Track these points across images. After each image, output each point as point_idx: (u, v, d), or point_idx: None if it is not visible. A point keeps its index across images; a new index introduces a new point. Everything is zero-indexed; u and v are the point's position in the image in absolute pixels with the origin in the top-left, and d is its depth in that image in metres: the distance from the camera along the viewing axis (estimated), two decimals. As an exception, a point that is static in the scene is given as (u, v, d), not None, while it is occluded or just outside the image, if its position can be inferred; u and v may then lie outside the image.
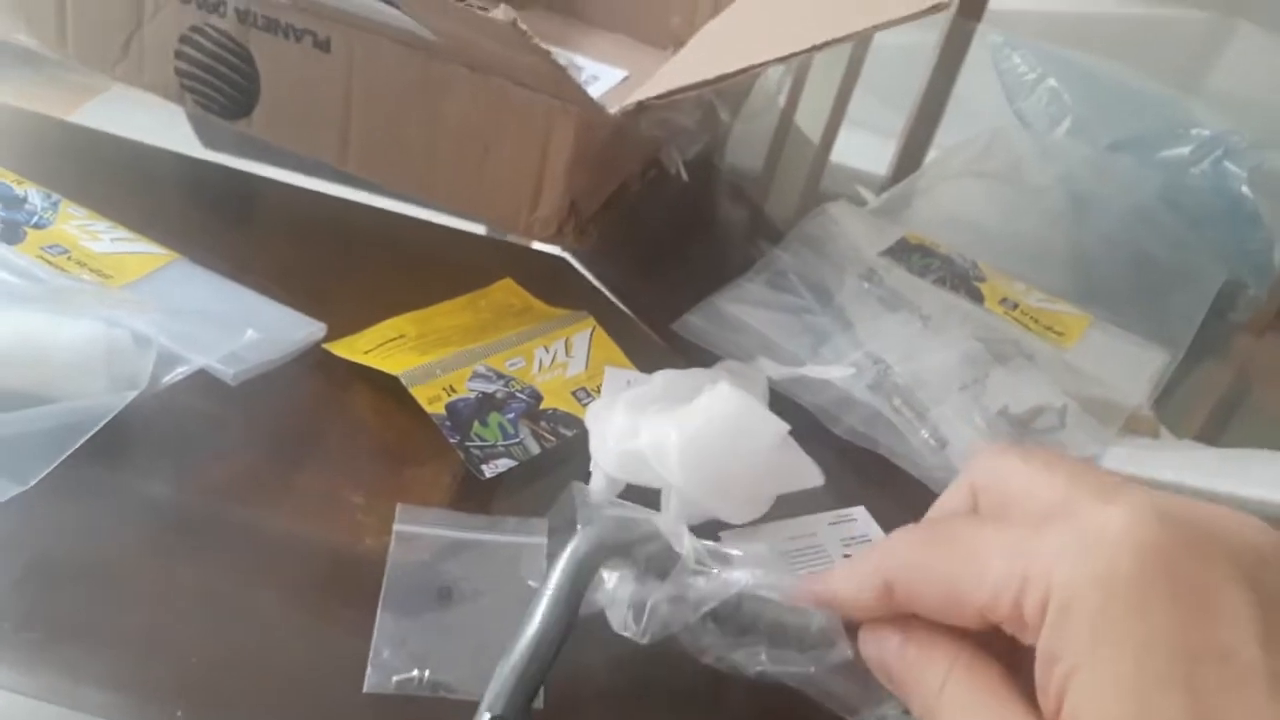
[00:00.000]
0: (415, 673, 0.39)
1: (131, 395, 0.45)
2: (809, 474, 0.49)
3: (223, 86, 0.66)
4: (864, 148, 1.08)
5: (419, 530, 0.44)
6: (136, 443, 0.47)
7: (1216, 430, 0.68)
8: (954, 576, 0.30)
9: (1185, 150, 0.80)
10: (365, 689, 0.38)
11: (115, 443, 0.45)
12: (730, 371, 0.54)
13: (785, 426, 0.49)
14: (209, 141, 0.77)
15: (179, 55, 0.67)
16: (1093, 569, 0.27)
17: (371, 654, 0.40)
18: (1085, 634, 0.26)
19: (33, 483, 0.41)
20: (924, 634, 0.32)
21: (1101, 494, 0.28)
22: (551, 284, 0.64)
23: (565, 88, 0.57)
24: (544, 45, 0.54)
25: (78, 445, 0.43)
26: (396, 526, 0.44)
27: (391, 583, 0.42)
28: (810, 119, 1.05)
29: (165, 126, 0.73)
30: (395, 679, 0.39)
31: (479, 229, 0.70)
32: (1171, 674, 0.25)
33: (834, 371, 0.54)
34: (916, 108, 1.10)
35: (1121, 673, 0.26)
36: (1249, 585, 0.26)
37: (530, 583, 0.43)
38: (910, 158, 1.05)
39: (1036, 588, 0.27)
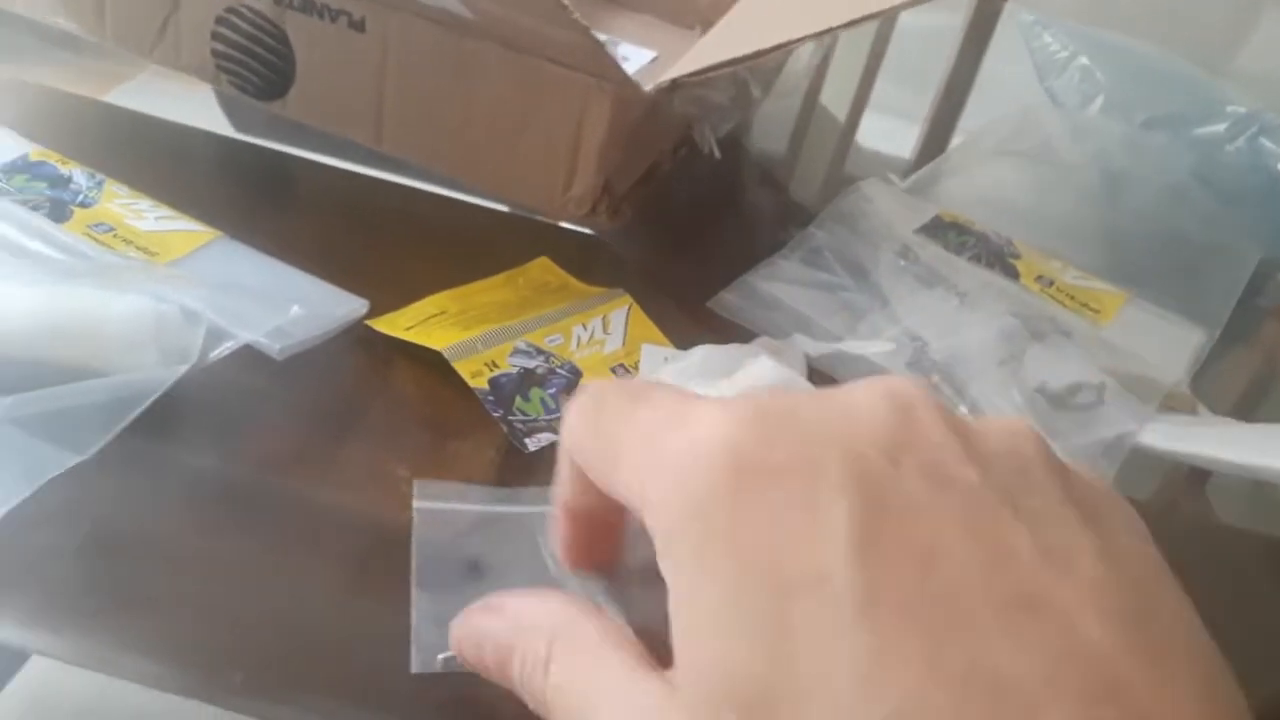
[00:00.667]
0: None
1: (183, 369, 0.45)
2: None
3: (258, 68, 0.67)
4: (888, 131, 1.07)
5: (441, 506, 0.45)
6: (187, 416, 0.47)
7: (1251, 407, 0.68)
8: (602, 475, 0.27)
9: (1220, 128, 0.79)
10: (413, 669, 0.39)
11: (166, 416, 0.46)
12: (767, 348, 0.55)
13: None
14: (240, 125, 0.77)
15: (215, 37, 0.67)
16: (683, 490, 0.23)
17: (413, 634, 0.40)
18: (685, 567, 0.23)
19: (91, 453, 0.42)
20: (519, 614, 0.30)
21: (699, 404, 0.26)
22: (586, 262, 0.64)
23: (603, 64, 0.58)
24: (582, 21, 0.54)
25: (132, 417, 0.43)
26: (416, 503, 0.44)
27: (422, 560, 0.42)
28: (834, 101, 1.05)
29: (191, 114, 0.74)
30: (441, 657, 0.39)
31: (516, 210, 0.70)
32: (765, 611, 0.21)
33: (872, 347, 0.54)
34: (941, 91, 1.10)
35: (716, 614, 0.22)
36: (851, 486, 0.22)
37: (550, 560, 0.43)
38: (935, 141, 1.05)
39: (648, 512, 0.24)
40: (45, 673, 1.04)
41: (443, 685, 0.39)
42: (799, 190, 0.88)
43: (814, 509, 0.22)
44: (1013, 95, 0.96)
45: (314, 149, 0.71)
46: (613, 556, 0.34)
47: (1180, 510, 0.60)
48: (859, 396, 0.25)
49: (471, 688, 0.39)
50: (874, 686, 0.20)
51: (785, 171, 0.90)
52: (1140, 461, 0.55)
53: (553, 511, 0.34)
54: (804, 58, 0.86)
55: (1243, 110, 0.78)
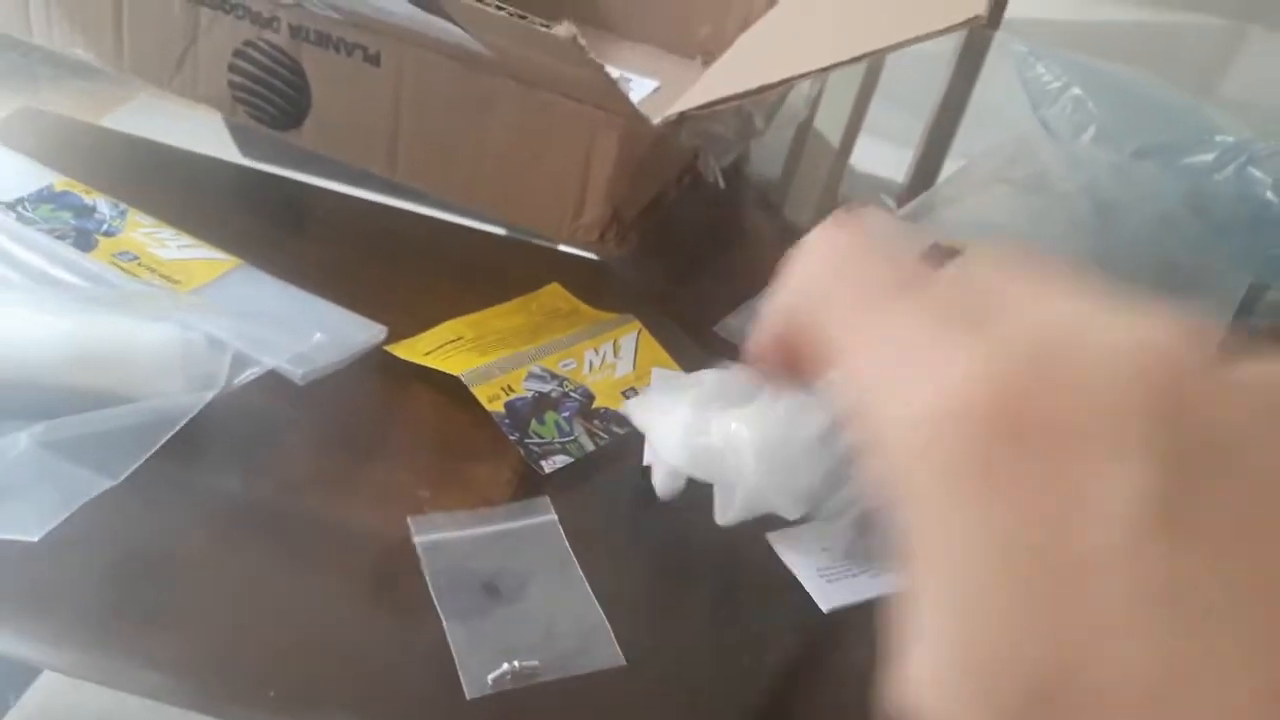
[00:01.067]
0: (505, 666, 0.41)
1: (210, 395, 0.47)
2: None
3: (274, 99, 0.69)
4: (882, 156, 1.09)
5: (440, 537, 0.46)
6: (213, 440, 0.49)
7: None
8: (820, 328, 0.23)
9: (1209, 157, 0.81)
10: (469, 697, 0.40)
11: (194, 441, 0.47)
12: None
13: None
14: (248, 152, 0.79)
15: (232, 69, 0.69)
16: (946, 440, 0.19)
17: (457, 662, 0.41)
18: (946, 527, 0.19)
19: (122, 477, 0.43)
20: None
21: (962, 325, 0.20)
22: (595, 288, 0.66)
23: (614, 99, 0.59)
24: (597, 60, 0.56)
25: (162, 442, 0.44)
26: (417, 539, 0.45)
27: (440, 592, 0.43)
28: (829, 127, 1.07)
29: (193, 132, 0.75)
30: (490, 678, 0.40)
31: (527, 237, 0.72)
32: (1052, 592, 0.18)
33: None
34: (934, 116, 1.12)
35: (990, 590, 0.18)
36: (1155, 445, 0.18)
37: None
38: (928, 166, 1.07)
39: (875, 449, 0.20)
40: (56, 687, 1.04)
41: (492, 704, 0.40)
42: (796, 216, 0.90)
43: (1106, 474, 0.18)
44: (1007, 123, 0.98)
45: (323, 175, 0.73)
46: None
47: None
48: (1156, 333, 0.20)
49: (521, 701, 0.40)
50: (1183, 692, 0.17)
51: (781, 196, 0.92)
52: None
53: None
54: (804, 89, 0.88)
55: (1231, 139, 0.80)
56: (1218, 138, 0.81)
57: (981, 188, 0.83)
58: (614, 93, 0.58)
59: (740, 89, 0.61)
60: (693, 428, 0.48)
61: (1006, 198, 0.83)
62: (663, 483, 0.49)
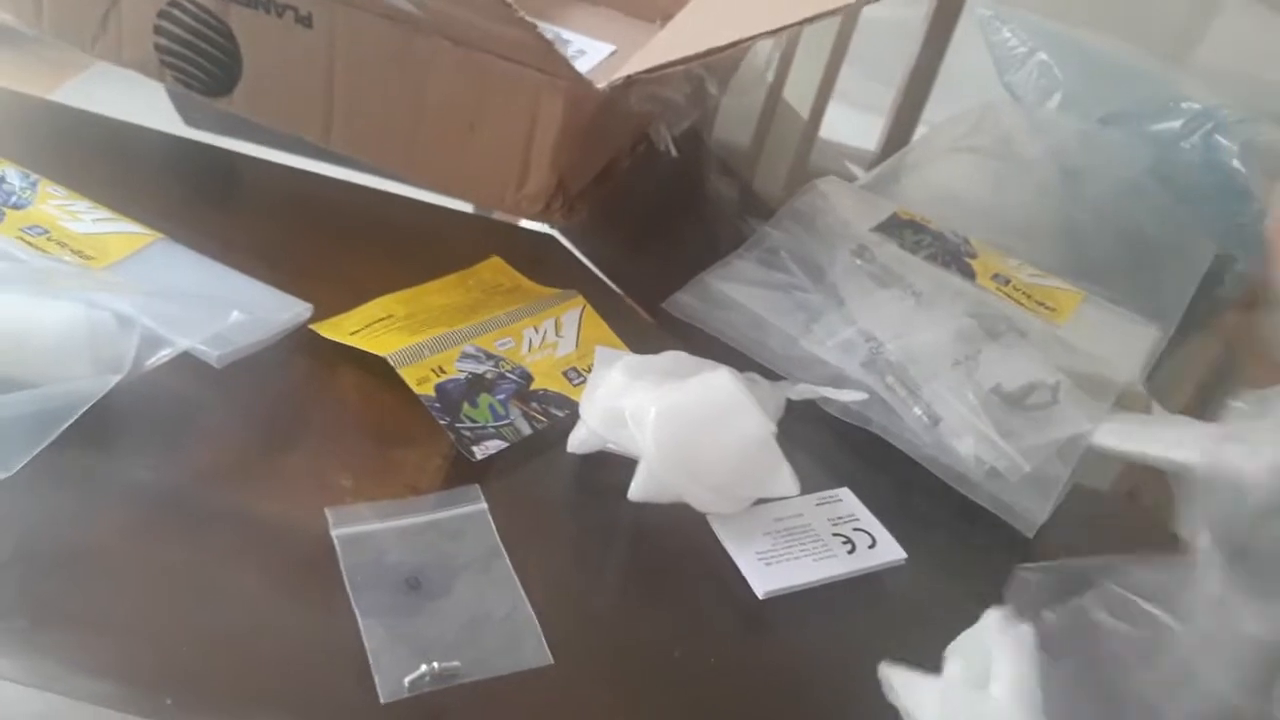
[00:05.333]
0: (424, 668, 0.38)
1: (115, 379, 0.44)
2: (785, 483, 0.48)
3: (203, 63, 0.65)
4: (853, 124, 1.07)
5: (359, 530, 0.43)
6: (121, 427, 0.46)
7: (1204, 404, 0.69)
8: None
9: (1176, 124, 0.79)
10: (383, 700, 0.38)
11: (100, 427, 0.45)
12: (753, 382, 0.53)
13: (772, 428, 0.48)
14: (191, 120, 0.75)
15: (158, 31, 0.65)
16: None
17: (373, 665, 0.39)
18: None
19: (16, 469, 0.40)
20: None
21: None
22: (540, 262, 0.63)
23: (552, 62, 0.57)
24: (529, 19, 0.53)
25: (62, 430, 0.42)
26: (335, 531, 0.43)
27: (356, 588, 0.41)
28: (799, 95, 1.04)
29: (149, 106, 0.72)
30: (407, 680, 0.38)
31: (465, 207, 0.69)
32: None
33: (848, 395, 0.53)
34: (905, 83, 1.10)
35: None
36: None
37: None
38: (899, 133, 1.04)
39: None
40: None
41: (409, 708, 0.38)
42: (763, 185, 0.87)
43: None
44: (980, 91, 0.96)
45: (268, 145, 0.69)
46: None
47: (1118, 520, 0.60)
48: None
49: (437, 703, 0.38)
50: None
51: (748, 166, 0.89)
52: (1097, 457, 0.55)
53: None
54: (762, 54, 0.85)
55: (1198, 106, 0.78)
56: (1184, 104, 0.79)
57: (944, 155, 0.81)
58: (552, 54, 0.55)
59: (689, 52, 0.59)
60: (614, 391, 0.47)
61: (970, 165, 0.81)
62: (576, 438, 0.48)
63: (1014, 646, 0.40)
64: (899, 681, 0.40)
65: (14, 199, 0.54)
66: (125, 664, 0.38)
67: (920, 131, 1.03)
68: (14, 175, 0.56)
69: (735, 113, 0.92)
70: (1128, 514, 0.60)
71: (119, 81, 0.69)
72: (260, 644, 0.40)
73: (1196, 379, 0.73)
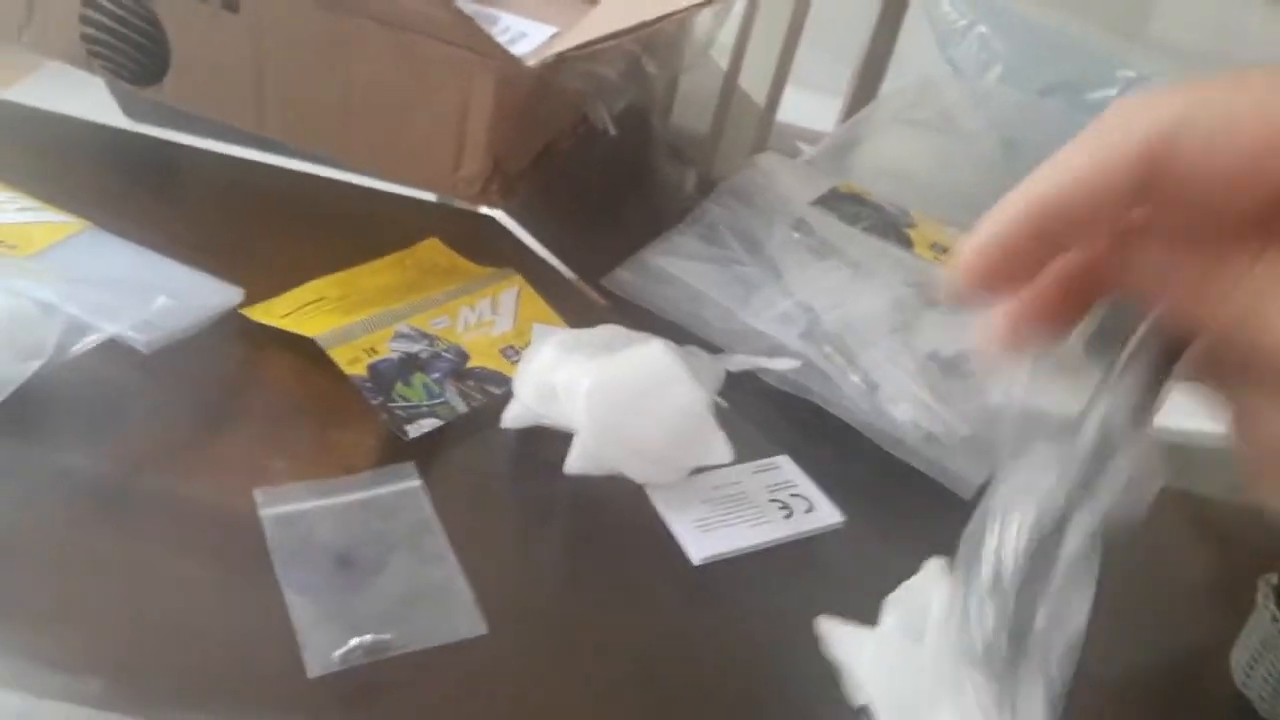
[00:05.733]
0: (354, 642, 0.38)
1: (35, 365, 0.43)
2: (719, 450, 0.48)
3: (130, 51, 0.64)
4: (811, 106, 1.07)
5: (288, 509, 0.43)
6: (46, 414, 0.45)
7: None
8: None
9: (1113, 92, 0.80)
10: (310, 675, 0.37)
11: (24, 415, 0.44)
12: (692, 354, 0.53)
13: (705, 398, 0.48)
14: (133, 113, 0.74)
15: (83, 20, 0.64)
16: None
17: (300, 641, 0.38)
18: None
19: (-69, 458, 0.40)
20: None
21: None
22: (480, 243, 0.63)
23: (481, 41, 0.56)
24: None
25: (-21, 418, 0.41)
26: (262, 511, 0.42)
27: (283, 565, 0.41)
28: (755, 79, 1.05)
29: (98, 104, 0.71)
30: (336, 654, 0.38)
31: (405, 191, 0.68)
32: None
33: (783, 364, 0.54)
34: (860, 64, 1.10)
35: None
36: None
37: None
38: (855, 113, 1.05)
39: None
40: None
41: (342, 681, 0.38)
42: (718, 167, 0.87)
43: None
44: (927, 60, 0.96)
45: (212, 136, 0.68)
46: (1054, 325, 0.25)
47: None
48: None
49: (369, 677, 0.38)
50: None
51: (703, 149, 0.89)
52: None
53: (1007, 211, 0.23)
54: (702, 29, 0.85)
55: (1133, 74, 0.79)
56: (1120, 73, 0.80)
57: (887, 129, 0.81)
58: (478, 33, 0.55)
59: (619, 27, 0.59)
60: (547, 365, 0.47)
61: (912, 139, 0.82)
62: (510, 414, 0.48)
63: (949, 599, 0.40)
64: (835, 635, 0.40)
65: (-66, 191, 0.54)
66: (55, 651, 0.38)
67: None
68: (-66, 167, 0.55)
69: (694, 100, 0.92)
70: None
71: (71, 82, 0.68)
72: (191, 627, 0.39)
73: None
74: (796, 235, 0.63)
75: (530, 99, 0.63)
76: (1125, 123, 0.22)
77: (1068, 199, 0.23)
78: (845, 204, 0.67)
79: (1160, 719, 0.47)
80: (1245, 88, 0.21)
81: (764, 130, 1.03)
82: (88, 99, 0.70)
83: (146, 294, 0.48)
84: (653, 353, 0.48)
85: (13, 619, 0.38)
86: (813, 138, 1.00)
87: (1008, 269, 0.23)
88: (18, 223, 0.53)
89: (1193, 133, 0.21)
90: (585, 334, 0.51)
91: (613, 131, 0.70)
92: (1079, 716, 0.39)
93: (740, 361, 0.53)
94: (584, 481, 0.47)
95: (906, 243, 0.65)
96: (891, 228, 0.66)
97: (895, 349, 0.56)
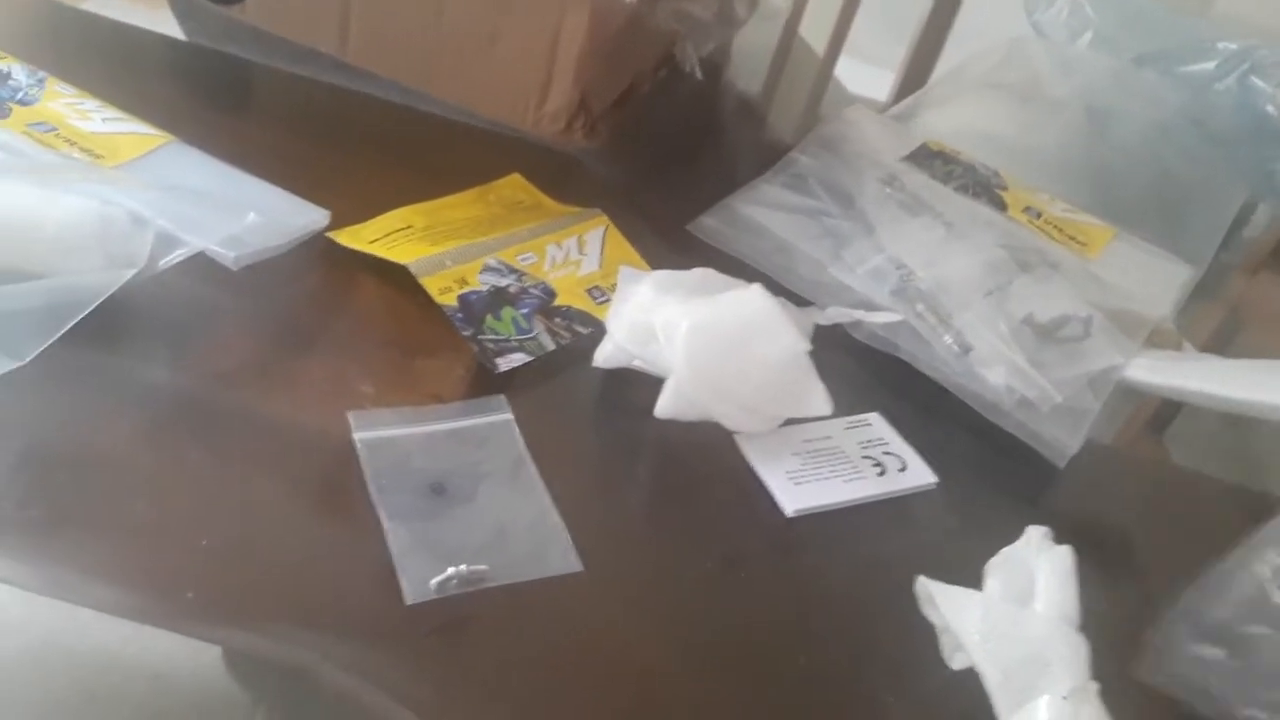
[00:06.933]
0: (450, 570, 0.37)
1: (128, 274, 0.42)
2: (818, 402, 0.47)
3: (214, -34, 0.63)
4: (865, 78, 1.05)
5: (383, 434, 0.42)
6: (135, 326, 0.45)
7: (1225, 345, 0.68)
8: None
9: (1210, 65, 0.77)
10: (408, 602, 0.37)
11: (112, 326, 0.43)
12: (783, 305, 0.51)
13: (806, 345, 0.47)
14: (192, 33, 0.73)
15: (168, -69, 0.63)
16: None
17: (397, 567, 0.38)
18: None
19: (29, 358, 0.39)
20: None
21: None
22: (560, 181, 0.62)
23: (583, -32, 0.55)
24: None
25: (73, 323, 0.40)
26: (356, 435, 0.42)
27: (381, 491, 0.40)
28: (813, 40, 1.02)
29: (150, 22, 0.69)
30: (433, 583, 0.37)
31: (486, 125, 0.67)
32: None
33: (884, 317, 0.52)
34: (919, 35, 1.07)
35: None
36: None
37: None
38: (910, 89, 1.02)
39: None
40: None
41: (436, 611, 0.37)
42: (776, 121, 0.85)
43: None
44: (997, 28, 0.93)
45: (273, 59, 0.67)
46: None
47: (1139, 454, 0.59)
48: None
49: (464, 607, 0.37)
50: None
51: (766, 100, 0.87)
52: (1113, 400, 0.54)
53: None
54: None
55: (1234, 47, 0.76)
56: (1220, 44, 0.77)
57: (971, 91, 0.79)
58: (583, -40, 0.53)
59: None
60: (643, 305, 0.45)
61: (996, 103, 0.79)
62: (603, 353, 0.47)
63: (1055, 565, 0.39)
64: (939, 595, 0.39)
65: (20, 95, 0.52)
66: (141, 570, 0.37)
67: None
68: (20, 72, 0.54)
69: (751, 56, 0.90)
70: (1149, 446, 0.60)
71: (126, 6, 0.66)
72: (280, 549, 0.39)
73: (1219, 319, 0.72)
74: (888, 190, 0.61)
75: (622, 35, 0.61)
76: None
77: None
78: (936, 161, 0.65)
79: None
80: None
81: (822, 86, 1.00)
82: (136, 17, 0.69)
83: (235, 210, 0.47)
84: (753, 297, 0.47)
85: (97, 535, 0.38)
86: (869, 106, 0.97)
87: None
88: (105, 132, 0.52)
89: None
90: (680, 275, 0.49)
91: (699, 75, 0.68)
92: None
93: (834, 314, 0.52)
94: (672, 426, 0.46)
95: (1000, 204, 0.63)
96: (984, 188, 0.64)
97: (989, 312, 0.54)
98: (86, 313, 0.41)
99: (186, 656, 0.91)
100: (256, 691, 0.87)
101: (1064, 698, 0.36)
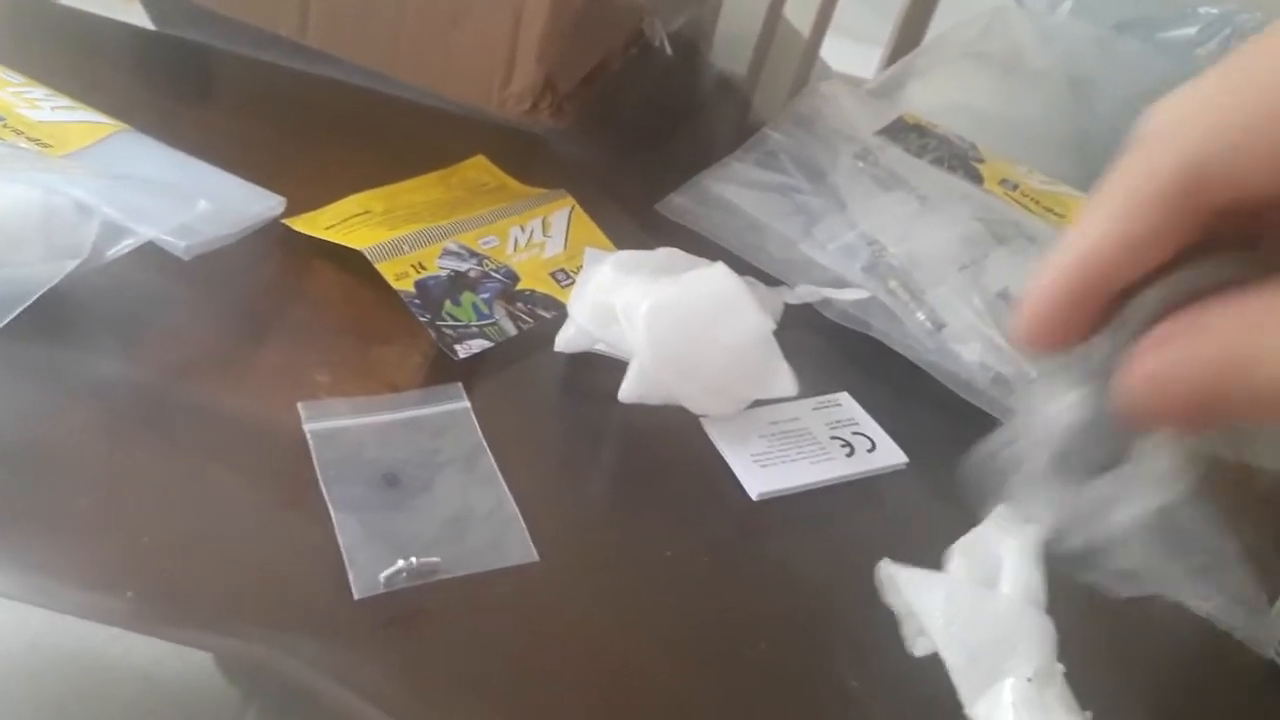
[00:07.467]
0: (400, 563, 0.36)
1: (71, 265, 0.41)
2: (784, 383, 0.46)
3: (171, -51, 0.62)
4: (851, 56, 1.03)
5: (334, 425, 0.41)
6: (83, 319, 0.44)
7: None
8: None
9: (1192, 30, 0.76)
10: (356, 596, 0.36)
11: (59, 318, 0.42)
12: (750, 285, 0.50)
13: (770, 325, 0.46)
14: (161, 21, 0.72)
15: (122, -86, 0.62)
16: None
17: (346, 559, 0.37)
18: None
19: (-35, 354, 0.38)
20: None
21: None
22: (526, 162, 0.60)
23: (540, -57, 0.53)
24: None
25: (14, 315, 0.39)
26: (307, 426, 0.41)
27: (330, 483, 0.39)
28: (798, 20, 1.01)
29: (120, 10, 0.68)
30: (382, 576, 0.36)
31: (450, 107, 0.66)
32: None
33: (851, 294, 0.51)
34: (904, 12, 1.05)
35: None
36: None
37: None
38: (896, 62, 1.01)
39: None
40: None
41: (389, 604, 0.36)
42: (758, 101, 0.84)
43: None
44: (982, 1, 0.92)
45: (241, 45, 0.66)
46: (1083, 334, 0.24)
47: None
48: None
49: (417, 600, 0.36)
50: None
51: (747, 80, 0.86)
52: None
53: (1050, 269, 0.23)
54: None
55: (1215, 11, 0.75)
56: (1201, 9, 0.76)
57: (953, 62, 0.78)
58: (538, -66, 0.52)
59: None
60: (604, 286, 0.44)
61: (978, 74, 0.78)
62: (564, 336, 0.46)
63: (1021, 547, 0.38)
64: (902, 578, 0.38)
65: (-34, 84, 0.51)
66: (87, 566, 0.36)
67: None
68: (-34, 61, 0.53)
69: (737, 35, 0.89)
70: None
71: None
72: (230, 542, 0.38)
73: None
74: (861, 165, 0.60)
75: (587, 11, 0.60)
76: (1148, 166, 0.22)
77: (1109, 258, 0.23)
78: (911, 134, 0.64)
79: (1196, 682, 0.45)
80: (1254, 83, 0.21)
81: (807, 66, 0.99)
82: (108, 6, 0.67)
83: (186, 198, 0.46)
84: (716, 276, 0.46)
85: (41, 531, 0.37)
86: (854, 84, 0.96)
87: (1066, 328, 0.24)
88: (55, 121, 0.51)
89: (1218, 161, 0.21)
90: (644, 255, 0.48)
91: (668, 51, 0.67)
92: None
93: (804, 293, 0.51)
94: (637, 410, 0.45)
95: (976, 177, 0.62)
96: (960, 161, 0.63)
97: (964, 286, 0.53)
98: (28, 304, 0.40)
99: (176, 656, 0.91)
100: (247, 690, 0.86)
101: (1029, 680, 0.35)
